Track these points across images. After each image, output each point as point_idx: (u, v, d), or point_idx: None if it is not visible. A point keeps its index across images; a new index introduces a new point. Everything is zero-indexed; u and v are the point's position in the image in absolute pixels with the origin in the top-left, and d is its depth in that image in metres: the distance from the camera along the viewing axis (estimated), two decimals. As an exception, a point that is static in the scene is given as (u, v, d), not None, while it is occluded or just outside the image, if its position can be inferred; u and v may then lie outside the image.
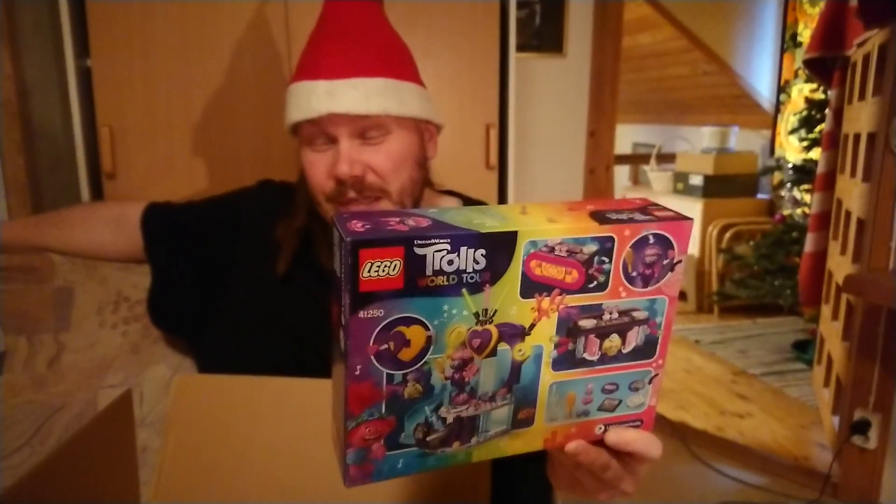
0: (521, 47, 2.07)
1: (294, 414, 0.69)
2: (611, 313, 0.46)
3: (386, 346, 0.40)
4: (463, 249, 0.40)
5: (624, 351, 0.48)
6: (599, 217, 0.44)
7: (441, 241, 0.39)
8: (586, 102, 2.27)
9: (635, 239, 0.44)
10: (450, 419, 0.44)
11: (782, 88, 3.76)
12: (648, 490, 2.04)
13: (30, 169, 1.72)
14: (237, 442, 0.70)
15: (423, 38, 1.48)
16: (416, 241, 0.39)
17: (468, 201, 1.01)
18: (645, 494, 2.02)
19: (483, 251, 0.41)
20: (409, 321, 0.40)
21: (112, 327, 1.00)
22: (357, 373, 0.40)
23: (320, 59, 0.86)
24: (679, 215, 0.46)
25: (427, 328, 0.41)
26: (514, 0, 1.53)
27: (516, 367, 0.45)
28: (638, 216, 0.45)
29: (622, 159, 5.48)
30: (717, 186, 3.80)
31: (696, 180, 3.87)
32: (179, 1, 1.37)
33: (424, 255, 0.39)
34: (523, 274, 0.42)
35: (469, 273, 0.41)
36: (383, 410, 0.42)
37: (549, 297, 0.44)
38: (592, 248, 0.43)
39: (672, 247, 0.46)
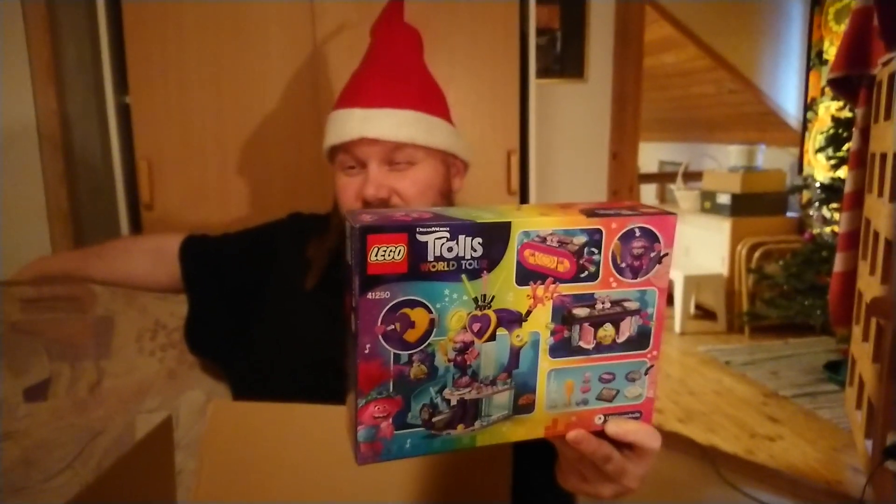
0: (542, 73, 2.11)
1: (322, 439, 0.72)
2: (603, 303, 0.49)
3: (392, 326, 0.44)
4: (461, 237, 0.44)
5: (618, 341, 0.50)
6: (588, 212, 0.48)
7: (441, 229, 0.43)
8: (608, 125, 2.29)
9: (622, 232, 0.48)
10: (453, 401, 0.47)
11: (809, 106, 3.72)
12: (677, 513, 2.02)
13: (71, 199, 1.79)
14: (268, 465, 0.73)
15: (445, 65, 1.52)
16: (418, 229, 0.43)
17: None
18: (674, 518, 1.99)
19: (480, 240, 0.44)
20: (413, 304, 0.44)
21: (150, 354, 1.03)
22: (367, 351, 0.44)
23: (360, 89, 0.92)
24: (664, 211, 0.49)
25: (430, 311, 0.44)
26: (533, 27, 1.57)
27: (515, 353, 0.48)
28: (624, 212, 0.49)
29: (648, 178, 5.45)
30: (746, 205, 3.75)
31: (724, 199, 3.83)
32: (213, 41, 1.44)
33: (426, 242, 0.43)
34: (518, 262, 0.46)
35: (468, 260, 0.44)
36: (391, 389, 0.45)
37: (542, 285, 0.47)
38: (582, 239, 0.47)
39: (658, 240, 0.49)
